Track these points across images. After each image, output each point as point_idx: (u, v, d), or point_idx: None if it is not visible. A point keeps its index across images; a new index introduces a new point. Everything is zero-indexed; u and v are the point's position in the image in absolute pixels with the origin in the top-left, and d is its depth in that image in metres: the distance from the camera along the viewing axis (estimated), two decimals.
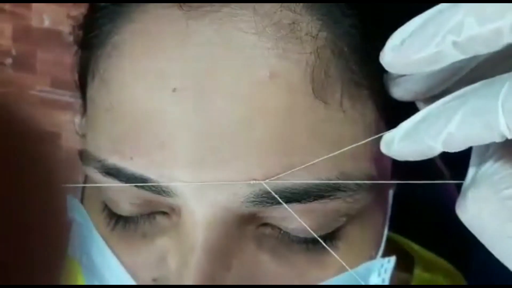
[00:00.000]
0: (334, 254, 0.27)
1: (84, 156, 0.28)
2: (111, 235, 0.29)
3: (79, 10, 0.31)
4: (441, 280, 0.39)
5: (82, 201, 0.31)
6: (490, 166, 0.22)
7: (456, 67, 0.23)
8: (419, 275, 0.39)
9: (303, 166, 0.25)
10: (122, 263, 0.29)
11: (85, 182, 0.30)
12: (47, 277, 0.13)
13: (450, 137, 0.20)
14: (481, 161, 0.22)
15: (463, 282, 0.40)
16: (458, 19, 0.19)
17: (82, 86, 0.31)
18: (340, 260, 0.27)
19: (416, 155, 0.22)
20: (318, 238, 0.27)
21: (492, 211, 0.21)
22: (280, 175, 0.25)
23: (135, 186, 0.26)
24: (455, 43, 0.20)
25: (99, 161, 0.27)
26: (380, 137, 0.25)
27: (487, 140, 0.20)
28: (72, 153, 0.31)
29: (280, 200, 0.25)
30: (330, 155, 0.25)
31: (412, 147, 0.22)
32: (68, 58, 0.33)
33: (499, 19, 0.18)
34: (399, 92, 0.26)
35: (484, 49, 0.19)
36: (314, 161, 0.25)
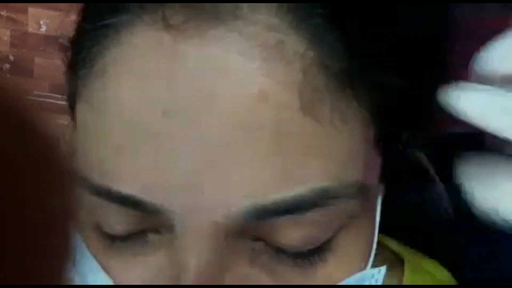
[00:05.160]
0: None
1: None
2: (105, 255, 0.29)
3: (75, 16, 0.32)
4: (431, 283, 0.40)
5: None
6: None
7: None
8: (409, 278, 0.39)
9: None
10: (117, 282, 0.29)
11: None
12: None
13: None
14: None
15: (453, 283, 0.41)
16: None
17: (71, 106, 0.31)
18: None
19: None
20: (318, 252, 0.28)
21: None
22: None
23: (125, 206, 0.26)
24: None
25: (88, 181, 0.27)
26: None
27: None
28: (69, 157, 0.32)
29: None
30: None
31: None
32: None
33: None
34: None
35: None
36: None
